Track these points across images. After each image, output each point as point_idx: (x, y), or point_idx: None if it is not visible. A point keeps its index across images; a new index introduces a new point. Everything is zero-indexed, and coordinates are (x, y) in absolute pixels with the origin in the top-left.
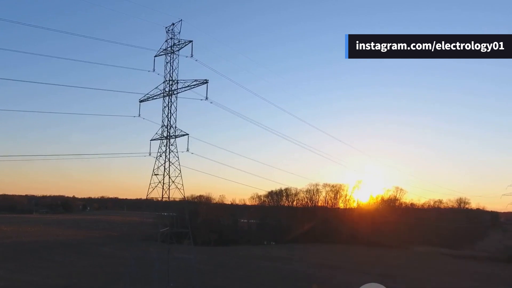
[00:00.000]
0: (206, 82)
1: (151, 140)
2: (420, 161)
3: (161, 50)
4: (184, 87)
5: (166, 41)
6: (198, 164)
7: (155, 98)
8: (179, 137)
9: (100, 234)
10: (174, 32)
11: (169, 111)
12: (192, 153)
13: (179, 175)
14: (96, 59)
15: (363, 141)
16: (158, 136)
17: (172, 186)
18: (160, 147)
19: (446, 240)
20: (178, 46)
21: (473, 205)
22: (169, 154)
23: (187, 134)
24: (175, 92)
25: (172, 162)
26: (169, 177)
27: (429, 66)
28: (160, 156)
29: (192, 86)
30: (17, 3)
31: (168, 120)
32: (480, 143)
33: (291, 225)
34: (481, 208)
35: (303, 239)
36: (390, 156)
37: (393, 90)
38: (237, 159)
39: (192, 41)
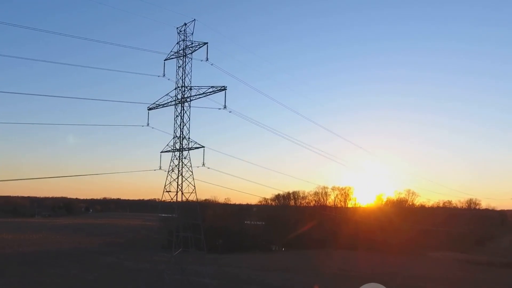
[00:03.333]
0: (224, 89)
1: (161, 152)
2: (427, 159)
3: (172, 53)
4: (199, 94)
5: (177, 43)
6: (210, 174)
7: (165, 106)
8: (193, 149)
9: (105, 241)
10: (186, 33)
11: (181, 120)
12: (209, 168)
13: (194, 192)
14: (98, 62)
15: (365, 139)
16: (170, 148)
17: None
18: (172, 160)
19: (458, 243)
20: (191, 48)
21: (483, 205)
22: (181, 168)
23: (203, 147)
24: (188, 99)
25: (186, 177)
26: (182, 193)
27: (435, 62)
28: (172, 171)
29: (208, 93)
30: (19, 5)
31: (180, 130)
32: (490, 142)
33: (299, 228)
34: (490, 208)
35: (313, 244)
36: (396, 155)
37: (397, 87)
38: (242, 163)
39: (207, 43)
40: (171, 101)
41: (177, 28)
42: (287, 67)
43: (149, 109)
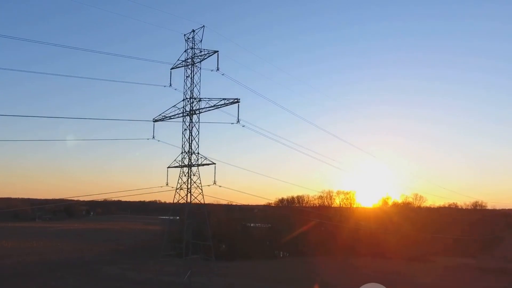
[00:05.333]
0: (237, 102)
1: (168, 167)
2: (429, 158)
3: (180, 61)
4: (209, 107)
5: (185, 51)
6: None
7: (172, 118)
8: (203, 165)
9: (107, 249)
10: (195, 41)
11: (190, 134)
12: (220, 186)
13: (204, 210)
14: (100, 71)
15: (366, 139)
16: (177, 164)
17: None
18: (180, 176)
19: (466, 248)
20: (200, 57)
21: (489, 207)
22: (190, 186)
23: (214, 164)
24: (197, 112)
25: (195, 195)
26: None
27: (437, 60)
28: (181, 188)
29: (219, 106)
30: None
31: (189, 144)
32: (494, 141)
33: (303, 231)
34: (495, 208)
35: (317, 251)
36: (397, 155)
37: (399, 85)
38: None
39: (217, 51)
40: (178, 113)
41: (184, 35)
42: (287, 67)
43: (155, 121)
